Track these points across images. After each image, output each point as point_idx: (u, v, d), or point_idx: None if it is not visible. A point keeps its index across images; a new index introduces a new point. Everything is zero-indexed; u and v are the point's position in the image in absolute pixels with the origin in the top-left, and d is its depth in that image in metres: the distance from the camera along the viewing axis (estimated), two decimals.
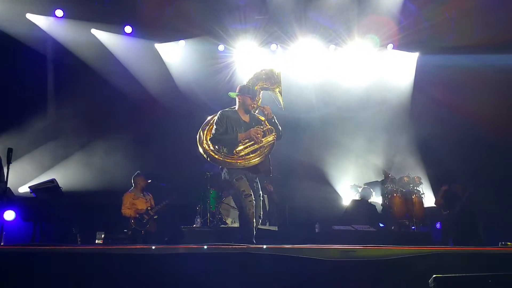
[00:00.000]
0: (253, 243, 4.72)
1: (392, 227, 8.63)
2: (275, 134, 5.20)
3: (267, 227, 7.99)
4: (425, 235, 8.23)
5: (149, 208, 7.89)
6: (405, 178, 8.76)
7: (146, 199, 8.00)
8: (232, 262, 3.14)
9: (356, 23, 9.88)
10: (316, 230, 8.61)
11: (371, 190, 9.02)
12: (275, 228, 8.14)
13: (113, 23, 9.57)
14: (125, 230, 7.84)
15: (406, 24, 9.99)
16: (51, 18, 9.16)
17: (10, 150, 5.64)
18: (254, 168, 5.10)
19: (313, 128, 10.11)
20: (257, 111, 5.39)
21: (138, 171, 8.15)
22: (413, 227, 8.40)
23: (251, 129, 5.10)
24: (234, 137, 5.05)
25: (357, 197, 9.10)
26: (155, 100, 9.72)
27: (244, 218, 4.95)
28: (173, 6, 9.52)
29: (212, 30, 9.83)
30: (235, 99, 5.40)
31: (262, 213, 5.15)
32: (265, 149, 5.13)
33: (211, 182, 8.61)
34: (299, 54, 10.03)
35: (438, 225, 9.03)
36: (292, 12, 9.61)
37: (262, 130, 5.12)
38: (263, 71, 5.47)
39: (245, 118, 5.30)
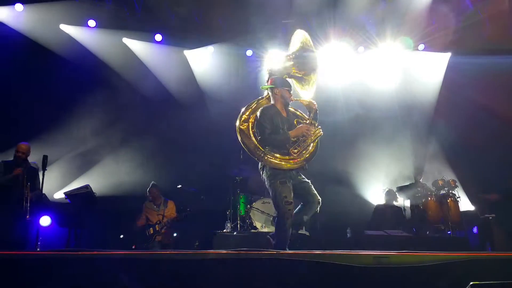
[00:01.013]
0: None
1: (427, 232, 8.44)
2: (320, 128, 4.90)
3: (301, 231, 7.92)
4: (462, 240, 8.00)
5: (158, 222, 7.73)
6: (439, 181, 8.54)
7: (158, 211, 7.82)
8: (261, 268, 3.11)
9: (385, 24, 9.75)
10: (348, 235, 8.51)
11: (395, 193, 8.86)
12: (307, 233, 8.05)
13: (144, 31, 9.76)
14: (133, 247, 7.63)
15: (438, 24, 9.81)
16: (84, 28, 9.39)
17: (45, 157, 5.81)
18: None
19: (342, 131, 10.02)
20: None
21: (152, 182, 8.02)
22: (449, 232, 8.18)
23: (301, 125, 4.81)
24: (286, 137, 4.74)
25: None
26: (184, 106, 9.83)
27: (280, 226, 4.66)
28: (201, 13, 9.63)
29: (240, 35, 9.89)
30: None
31: (319, 198, 4.82)
32: (314, 144, 4.89)
33: (240, 187, 8.63)
34: (327, 56, 9.95)
35: (475, 230, 8.78)
36: (319, 14, 9.56)
37: (309, 124, 4.84)
38: (292, 56, 5.03)
39: (284, 113, 4.96)
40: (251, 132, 4.88)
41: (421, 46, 10.21)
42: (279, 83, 4.96)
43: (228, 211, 8.42)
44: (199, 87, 10.23)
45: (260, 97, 5.19)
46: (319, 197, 4.83)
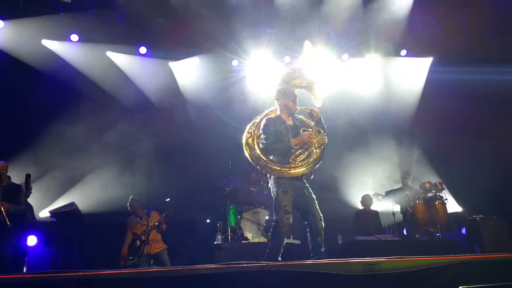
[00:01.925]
0: (277, 261, 4.60)
1: (417, 235, 8.49)
2: (325, 135, 5.00)
3: (291, 240, 7.90)
4: (451, 242, 8.05)
5: (142, 232, 7.57)
6: (426, 184, 8.64)
7: (141, 223, 7.67)
8: (251, 281, 3.09)
9: (368, 31, 9.86)
10: (339, 241, 8.51)
11: (372, 197, 8.92)
12: (298, 241, 8.02)
13: (128, 44, 9.71)
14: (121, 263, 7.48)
15: (418, 29, 9.96)
16: (66, 43, 9.31)
17: (28, 176, 5.68)
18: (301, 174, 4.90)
19: (329, 138, 10.06)
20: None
21: (131, 196, 7.84)
22: (438, 234, 8.24)
23: (303, 133, 4.88)
24: (288, 145, 4.84)
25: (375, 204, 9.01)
26: (170, 118, 9.75)
27: (275, 233, 4.75)
28: (186, 24, 9.62)
29: (225, 45, 9.90)
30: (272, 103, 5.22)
31: (321, 215, 4.86)
32: (318, 152, 4.94)
33: (230, 198, 8.59)
34: (312, 64, 9.98)
35: (463, 231, 8.85)
36: (303, 23, 9.62)
37: (312, 132, 4.92)
38: (296, 69, 5.26)
39: (290, 122, 5.08)
40: (255, 143, 5.02)
41: (403, 52, 10.35)
42: (283, 94, 5.09)
43: (218, 223, 8.37)
44: (184, 99, 10.19)
45: (267, 111, 5.32)
46: (321, 216, 4.86)
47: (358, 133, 10.15)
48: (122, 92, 9.63)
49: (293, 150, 4.86)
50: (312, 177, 5.09)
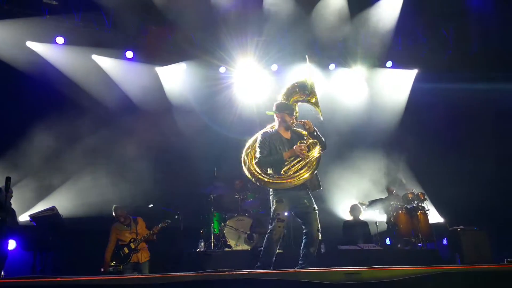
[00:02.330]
0: (269, 268, 4.69)
1: (399, 245, 8.55)
2: (320, 147, 5.08)
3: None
4: (433, 252, 8.13)
5: (132, 240, 7.51)
6: (409, 194, 8.71)
7: (130, 230, 7.60)
8: None
9: (355, 42, 9.96)
10: (322, 250, 8.51)
11: (360, 207, 8.97)
12: (280, 251, 8.00)
13: (115, 48, 9.65)
14: (101, 270, 7.34)
15: (404, 41, 10.10)
16: (51, 45, 9.22)
17: (8, 179, 5.57)
18: (300, 185, 4.97)
19: None
20: (294, 125, 5.26)
21: (114, 205, 7.74)
22: (419, 244, 8.30)
23: (295, 146, 4.96)
24: (280, 158, 4.96)
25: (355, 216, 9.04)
26: (155, 124, 9.70)
27: (268, 242, 4.88)
28: (174, 31, 9.61)
29: (213, 52, 9.91)
30: (270, 117, 5.31)
31: (319, 226, 4.96)
32: (312, 163, 5.00)
33: (214, 205, 8.57)
34: (299, 73, 10.04)
35: (444, 241, 8.94)
36: (290, 32, 9.69)
37: (306, 145, 5.00)
38: (296, 84, 5.37)
39: (287, 135, 5.20)
40: (252, 157, 5.20)
41: (389, 63, 10.48)
42: (279, 108, 5.20)
43: (201, 230, 8.33)
44: (170, 105, 10.15)
45: (268, 126, 5.43)
46: (318, 226, 4.95)
47: (343, 142, 10.21)
48: (107, 96, 9.56)
49: (286, 163, 4.94)
50: (321, 187, 5.18)
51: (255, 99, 10.13)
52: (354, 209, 8.94)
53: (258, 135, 5.23)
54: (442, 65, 10.03)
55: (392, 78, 10.70)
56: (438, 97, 9.83)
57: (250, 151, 5.24)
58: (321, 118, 5.23)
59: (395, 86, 10.71)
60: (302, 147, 4.94)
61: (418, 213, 8.43)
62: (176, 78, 10.27)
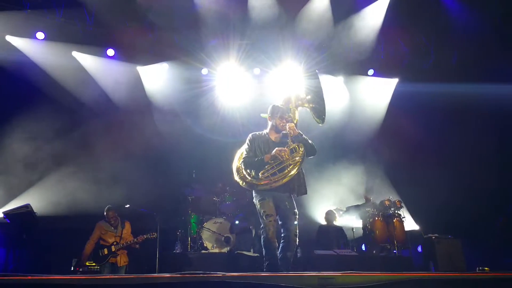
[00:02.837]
0: (278, 268, 4.70)
1: (374, 251, 8.62)
2: (302, 151, 5.05)
3: (250, 253, 7.89)
4: (407, 259, 8.22)
5: (114, 243, 7.52)
6: (386, 201, 8.80)
7: (116, 233, 7.62)
8: None
9: (338, 49, 10.04)
10: (298, 255, 8.54)
11: (334, 213, 9.05)
12: (257, 254, 8.01)
13: (96, 45, 9.55)
14: (78, 270, 7.33)
15: (386, 50, 10.21)
16: (31, 41, 9.08)
17: None
18: (284, 187, 4.98)
19: None
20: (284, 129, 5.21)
21: (108, 206, 7.79)
22: (394, 251, 8.39)
23: (276, 149, 4.96)
24: (261, 159, 5.00)
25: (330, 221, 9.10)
26: (134, 122, 9.63)
27: (265, 240, 4.86)
28: (156, 30, 9.55)
29: (195, 54, 9.87)
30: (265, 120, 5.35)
31: (297, 231, 4.96)
32: (293, 167, 4.96)
33: (192, 207, 8.53)
34: (281, 78, 10.08)
35: (419, 249, 9.05)
36: (274, 37, 9.72)
37: (288, 148, 4.99)
38: (293, 89, 5.47)
39: (275, 138, 5.23)
40: (240, 157, 5.23)
41: (371, 71, 10.59)
42: (271, 112, 5.24)
43: (178, 232, 8.28)
44: (151, 105, 10.07)
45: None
46: (296, 231, 4.96)
47: (322, 149, 10.26)
48: (86, 94, 9.45)
49: (267, 166, 4.95)
50: (306, 193, 5.18)
51: (238, 102, 10.14)
52: (328, 215, 9.01)
53: (249, 135, 5.27)
54: (423, 74, 10.17)
55: (373, 86, 10.82)
56: (418, 106, 9.97)
57: (240, 155, 5.27)
58: (320, 124, 5.30)
59: (376, 94, 10.83)
60: (283, 150, 4.94)
61: (394, 220, 8.52)
62: (158, 78, 10.20)
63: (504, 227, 8.92)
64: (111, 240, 7.50)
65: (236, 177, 5.18)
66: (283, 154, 4.92)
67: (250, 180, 5.03)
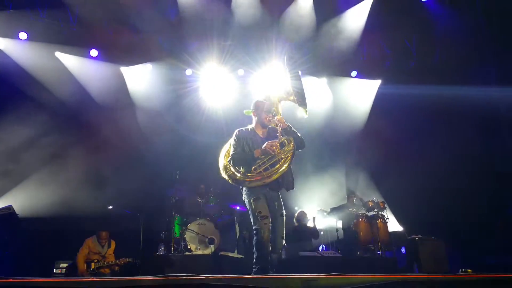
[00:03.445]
0: (269, 273, 4.59)
1: (358, 252, 8.66)
2: (293, 144, 4.96)
3: (234, 254, 7.86)
4: (390, 260, 8.27)
5: (95, 260, 7.42)
6: (369, 202, 8.85)
7: (101, 252, 7.53)
8: None
9: (321, 51, 10.08)
10: (282, 256, 8.53)
11: (306, 213, 9.08)
12: (241, 256, 8.00)
13: (79, 46, 9.46)
14: None
15: (369, 52, 10.29)
16: (14, 41, 8.97)
17: None
18: (275, 184, 4.89)
19: None
20: (270, 123, 5.13)
21: (103, 230, 7.68)
22: (378, 252, 8.44)
23: (266, 143, 4.86)
24: (250, 155, 4.87)
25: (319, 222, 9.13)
26: (117, 123, 9.54)
27: (258, 243, 4.71)
28: (140, 32, 9.48)
29: (179, 55, 9.83)
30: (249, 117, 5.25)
31: (284, 233, 4.90)
32: (285, 161, 4.87)
33: (175, 208, 8.48)
34: (265, 79, 10.07)
35: (403, 250, 9.11)
36: (258, 38, 9.73)
37: (278, 142, 4.88)
38: (277, 83, 5.34)
39: (263, 133, 5.14)
40: (226, 155, 5.10)
41: (354, 73, 10.66)
42: (256, 106, 5.16)
43: (162, 233, 8.23)
44: (134, 105, 10.00)
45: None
46: (283, 233, 4.91)
47: (305, 150, 10.30)
48: (69, 95, 9.34)
49: (258, 161, 4.84)
50: (293, 188, 5.08)
51: (222, 103, 10.12)
52: (300, 215, 9.03)
53: (235, 131, 5.13)
54: (405, 76, 10.26)
55: (356, 87, 10.89)
56: (401, 108, 10.05)
57: (226, 152, 5.14)
58: (305, 116, 5.10)
59: (359, 95, 10.90)
60: (274, 144, 4.86)
61: (378, 221, 8.56)
62: (141, 79, 10.13)
63: (503, 230, 8.95)
64: (93, 257, 7.44)
65: (224, 175, 5.03)
66: (274, 148, 4.83)
67: (241, 177, 4.87)
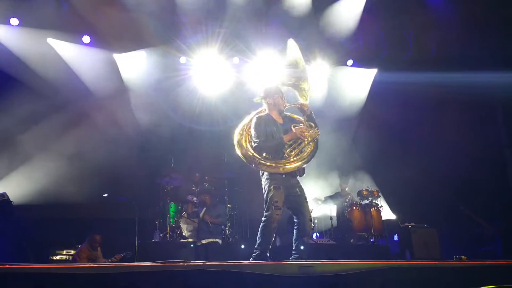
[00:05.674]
0: (266, 257, 4.67)
1: (352, 240, 8.74)
2: (317, 129, 4.97)
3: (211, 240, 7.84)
4: (383, 247, 8.37)
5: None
6: (363, 191, 8.93)
7: (94, 255, 7.54)
8: (188, 280, 3.06)
9: (317, 38, 10.02)
10: (277, 243, 8.59)
11: None
12: (219, 241, 7.90)
13: (71, 32, 9.32)
14: None
15: (366, 41, 10.25)
16: (5, 27, 8.82)
17: None
18: (293, 172, 4.88)
19: None
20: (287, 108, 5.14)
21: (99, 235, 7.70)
22: (371, 240, 8.52)
23: (295, 128, 4.87)
24: (279, 142, 4.84)
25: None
26: (111, 111, 9.48)
27: (265, 230, 4.75)
28: (134, 18, 9.36)
29: (173, 42, 9.73)
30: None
31: (311, 215, 4.92)
32: (312, 145, 4.92)
33: (170, 196, 8.50)
34: (261, 67, 10.03)
35: (395, 237, 9.21)
36: (253, 26, 9.65)
37: (305, 126, 4.90)
38: (287, 65, 5.19)
39: (279, 119, 5.09)
40: (247, 143, 5.00)
41: (350, 62, 10.62)
42: (270, 92, 5.09)
43: (157, 221, 8.25)
44: (128, 92, 9.91)
45: (254, 112, 5.23)
46: (310, 216, 4.94)
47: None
48: (61, 82, 9.22)
49: (286, 146, 4.86)
50: (304, 174, 5.08)
51: (217, 91, 10.07)
52: None
53: (253, 118, 5.04)
54: (402, 66, 10.24)
55: (352, 76, 10.86)
56: (396, 97, 10.07)
57: (243, 136, 5.06)
58: (306, 102, 5.11)
59: (355, 84, 10.88)
60: (303, 129, 4.88)
61: (371, 210, 8.66)
62: (135, 66, 10.02)
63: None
64: (83, 261, 7.42)
65: (253, 166, 4.93)
66: (304, 133, 4.86)
67: (271, 163, 4.79)
